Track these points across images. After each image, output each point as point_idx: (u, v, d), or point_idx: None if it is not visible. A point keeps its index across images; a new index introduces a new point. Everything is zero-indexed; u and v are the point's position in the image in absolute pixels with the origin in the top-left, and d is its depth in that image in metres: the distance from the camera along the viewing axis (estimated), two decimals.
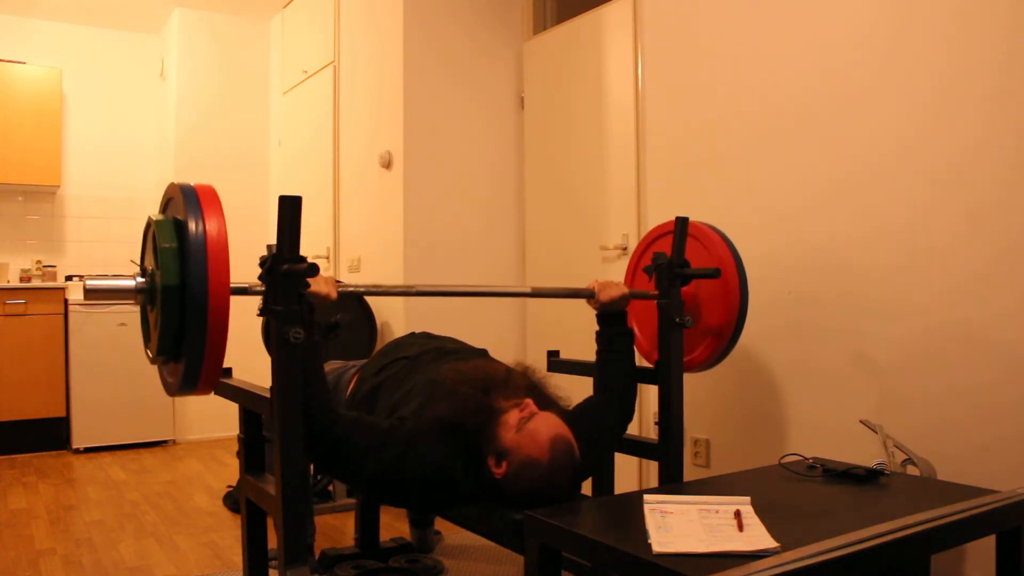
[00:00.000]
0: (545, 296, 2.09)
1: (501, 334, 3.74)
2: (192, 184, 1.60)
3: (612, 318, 2.16)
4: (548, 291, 2.17)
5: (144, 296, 1.59)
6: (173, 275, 1.48)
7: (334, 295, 1.78)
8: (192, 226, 1.49)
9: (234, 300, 1.55)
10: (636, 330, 2.37)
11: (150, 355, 1.64)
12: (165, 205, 1.68)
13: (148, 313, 1.65)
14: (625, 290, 2.14)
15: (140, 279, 1.59)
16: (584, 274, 3.38)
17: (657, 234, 2.38)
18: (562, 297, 2.29)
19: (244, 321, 2.33)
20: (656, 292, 2.16)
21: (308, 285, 1.67)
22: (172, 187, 1.63)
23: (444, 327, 2.53)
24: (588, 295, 2.15)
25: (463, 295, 2.06)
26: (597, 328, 2.18)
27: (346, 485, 1.98)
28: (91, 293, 1.57)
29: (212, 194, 1.58)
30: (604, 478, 2.29)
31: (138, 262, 1.69)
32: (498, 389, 1.85)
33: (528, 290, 2.02)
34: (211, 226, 1.51)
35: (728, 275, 2.18)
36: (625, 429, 2.15)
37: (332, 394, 1.79)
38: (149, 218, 1.61)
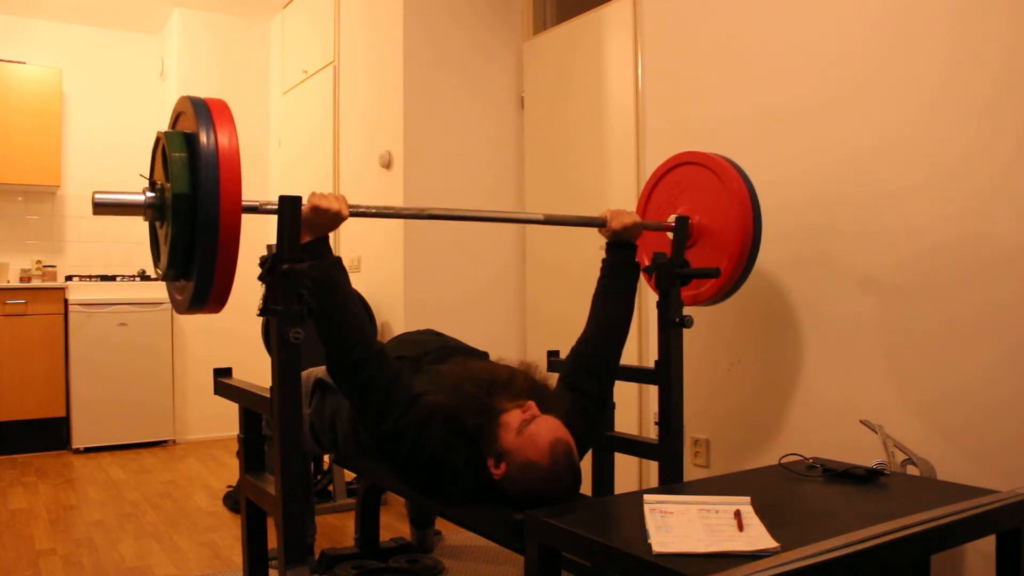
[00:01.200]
0: (558, 223, 2.09)
1: (501, 333, 3.74)
2: (204, 98, 1.56)
3: (621, 247, 2.14)
4: (561, 219, 2.16)
5: (153, 211, 1.56)
6: (183, 184, 1.44)
7: (346, 212, 1.74)
8: (203, 138, 1.46)
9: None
10: (645, 260, 2.34)
11: (159, 272, 1.61)
12: (175, 120, 1.64)
13: (157, 229, 1.61)
14: (637, 219, 2.13)
15: (149, 193, 1.56)
16: (584, 273, 3.37)
17: (670, 165, 2.34)
18: (574, 225, 2.27)
19: (244, 321, 2.34)
20: (669, 224, 2.15)
21: (308, 285, 1.67)
22: (183, 100, 1.58)
23: (445, 326, 2.53)
24: (600, 223, 2.14)
25: (474, 219, 2.04)
26: (604, 258, 2.16)
27: (363, 427, 1.94)
28: (100, 207, 1.53)
29: (224, 107, 1.54)
30: (604, 478, 2.29)
31: (147, 176, 1.64)
32: (501, 389, 1.85)
33: (541, 217, 2.01)
34: (223, 137, 1.47)
35: (741, 200, 2.15)
36: (617, 364, 2.11)
37: (373, 327, 1.77)
38: (159, 132, 1.57)
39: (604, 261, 2.16)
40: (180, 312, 1.63)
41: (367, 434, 1.85)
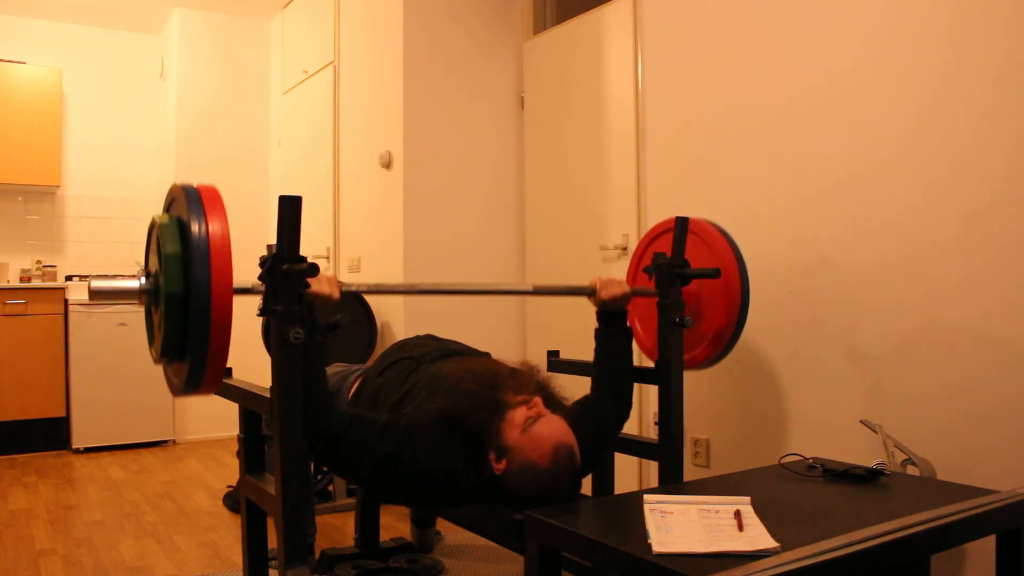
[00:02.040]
0: (546, 294, 2.10)
1: (501, 334, 3.74)
2: (195, 184, 1.59)
3: (612, 316, 2.15)
4: (549, 288, 2.17)
5: (148, 297, 1.60)
6: (176, 282, 1.49)
7: (336, 295, 1.77)
8: (195, 228, 1.49)
9: (235, 300, 1.55)
10: (638, 327, 2.37)
11: (154, 355, 1.64)
12: (169, 205, 1.68)
13: (152, 313, 1.65)
14: (627, 288, 2.13)
15: (144, 280, 1.59)
16: (584, 274, 3.37)
17: (658, 231, 2.38)
18: (563, 295, 2.28)
19: (244, 321, 2.33)
20: (656, 290, 2.16)
21: (308, 285, 1.67)
22: (175, 188, 1.62)
23: (445, 327, 2.53)
24: (589, 292, 2.14)
25: (465, 293, 2.06)
26: (596, 325, 2.18)
27: (347, 481, 2.01)
28: (96, 294, 1.57)
29: (215, 195, 1.57)
30: (604, 478, 2.29)
31: (142, 263, 1.69)
32: (505, 384, 1.85)
33: (530, 288, 2.02)
34: (214, 228, 1.51)
35: (729, 273, 2.18)
36: (621, 428, 2.14)
37: (332, 395, 1.79)
38: (153, 219, 1.61)
39: (597, 331, 2.17)
40: (175, 395, 1.68)
41: (357, 484, 1.85)
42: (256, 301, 1.69)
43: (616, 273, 3.20)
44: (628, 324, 2.19)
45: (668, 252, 2.15)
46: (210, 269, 1.47)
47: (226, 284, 1.49)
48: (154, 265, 1.59)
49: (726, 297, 2.18)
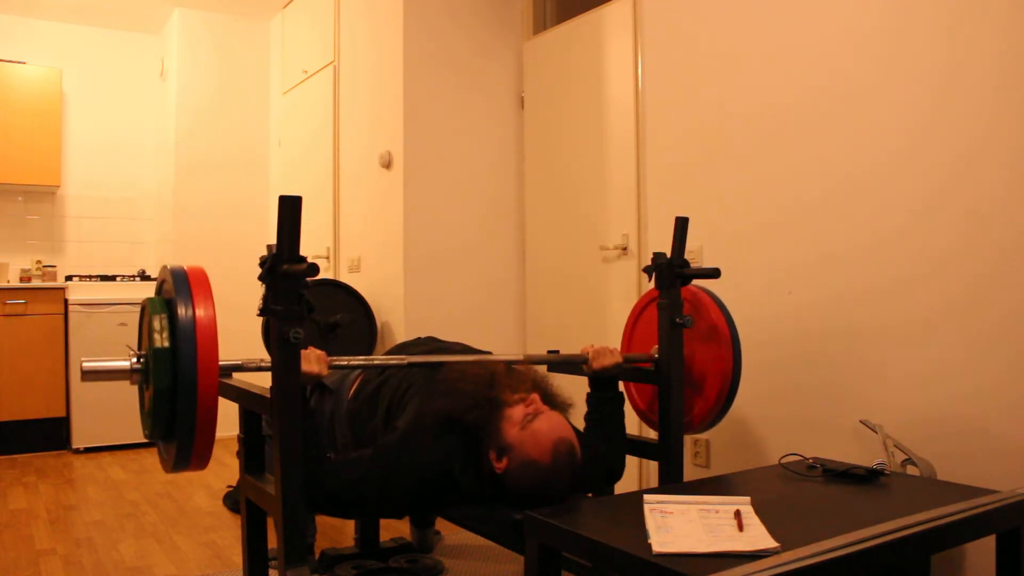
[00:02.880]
0: (538, 363, 2.12)
1: (501, 335, 3.74)
2: (184, 268, 1.66)
3: (604, 382, 2.16)
4: (541, 359, 2.19)
5: (140, 376, 1.66)
6: (165, 377, 1.57)
7: (325, 372, 1.80)
8: (182, 313, 1.57)
9: (234, 293, 1.57)
10: (632, 390, 2.38)
11: (146, 432, 1.71)
12: (159, 287, 1.75)
13: (143, 391, 1.72)
14: (619, 358, 2.14)
15: (135, 361, 1.66)
16: (584, 274, 3.38)
17: (655, 295, 2.29)
18: (555, 363, 2.30)
19: (244, 321, 2.34)
20: (650, 356, 2.17)
21: (308, 285, 1.67)
22: (164, 270, 1.70)
23: (445, 328, 2.53)
24: (581, 361, 2.15)
25: (455, 363, 2.09)
26: (588, 391, 2.18)
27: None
28: (88, 375, 1.63)
29: (202, 280, 1.64)
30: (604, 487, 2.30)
31: (135, 348, 1.76)
32: (502, 383, 1.85)
33: (521, 357, 2.07)
34: (200, 314, 1.58)
35: (722, 337, 2.18)
36: (611, 485, 2.14)
37: (322, 456, 1.80)
38: (144, 303, 1.69)
39: (588, 396, 2.17)
40: (167, 471, 1.75)
41: (371, 512, 1.88)
42: (256, 295, 1.69)
43: (615, 274, 3.21)
44: (620, 390, 2.19)
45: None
46: (196, 363, 1.55)
47: (212, 373, 1.57)
48: (146, 346, 1.66)
49: (719, 361, 2.18)
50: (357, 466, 1.79)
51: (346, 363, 1.91)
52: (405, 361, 1.98)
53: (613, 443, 2.12)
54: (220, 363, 1.63)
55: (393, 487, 1.76)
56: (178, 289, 1.60)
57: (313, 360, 1.77)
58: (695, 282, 2.24)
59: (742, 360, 2.20)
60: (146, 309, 1.66)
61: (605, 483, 2.12)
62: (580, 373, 2.19)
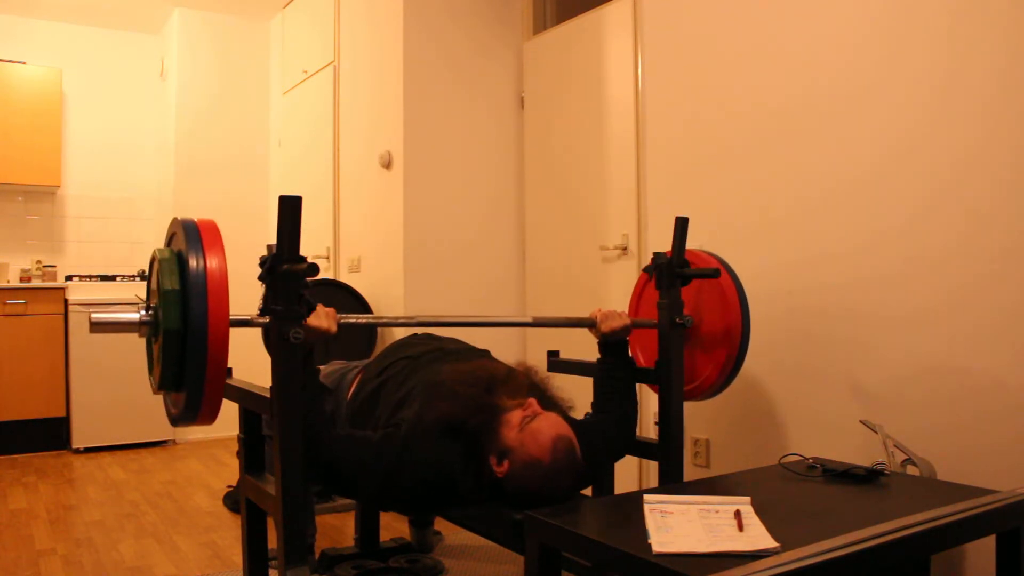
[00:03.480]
0: (546, 325, 2.12)
1: (501, 334, 3.74)
2: (195, 219, 1.63)
3: (613, 347, 2.16)
4: (549, 320, 2.19)
5: (148, 329, 1.63)
6: (175, 319, 1.53)
7: (334, 329, 1.78)
8: (193, 264, 1.53)
9: (233, 293, 1.57)
10: (640, 357, 2.37)
11: (153, 385, 1.68)
12: (169, 239, 1.71)
13: (152, 344, 1.68)
14: (627, 320, 2.14)
15: (144, 312, 1.63)
16: (584, 274, 3.38)
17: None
18: (563, 326, 2.30)
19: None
20: (658, 321, 2.15)
21: (308, 285, 1.67)
22: (175, 222, 1.66)
23: (444, 328, 2.53)
24: (590, 324, 2.15)
25: (465, 325, 2.09)
26: (598, 356, 2.19)
27: (353, 501, 2.04)
28: (96, 326, 1.60)
29: (214, 230, 1.61)
30: (604, 478, 2.29)
31: (143, 297, 1.73)
32: (500, 388, 1.85)
33: (529, 319, 2.06)
34: (212, 264, 1.55)
35: (729, 300, 2.17)
36: (623, 454, 2.14)
37: (329, 420, 1.80)
38: (154, 253, 1.65)
39: (598, 362, 2.18)
40: (174, 425, 1.72)
41: (365, 496, 1.87)
42: (255, 294, 1.69)
43: (616, 275, 3.21)
44: (630, 355, 2.19)
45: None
46: (207, 306, 1.51)
47: (223, 320, 1.53)
48: (155, 298, 1.63)
49: (727, 326, 2.17)
50: (364, 447, 1.78)
51: (355, 320, 1.89)
52: (414, 320, 1.97)
53: (624, 410, 2.12)
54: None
55: (393, 486, 1.76)
56: (189, 239, 1.57)
57: (323, 316, 1.75)
58: (702, 246, 2.23)
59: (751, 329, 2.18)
60: (155, 259, 1.62)
61: (617, 450, 2.11)
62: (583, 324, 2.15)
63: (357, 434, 1.85)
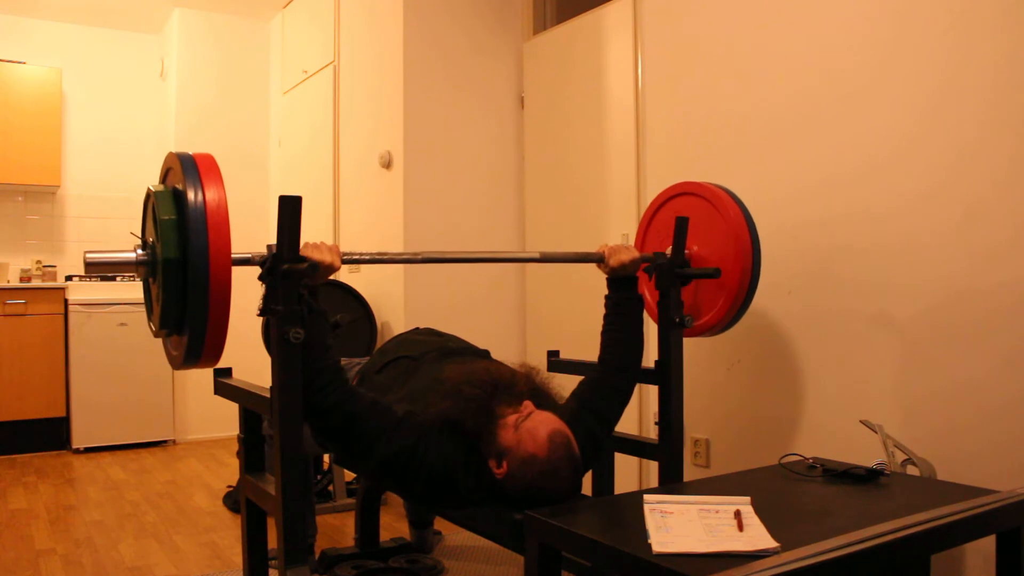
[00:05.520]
0: (553, 261, 2.07)
1: (501, 334, 3.74)
2: (191, 153, 1.57)
3: (622, 282, 2.12)
4: (556, 256, 2.14)
5: (146, 268, 1.57)
6: (173, 248, 1.46)
7: (338, 264, 1.75)
8: (191, 196, 1.47)
9: (234, 293, 1.55)
10: (648, 296, 2.32)
11: (153, 328, 1.62)
12: (164, 175, 1.65)
13: (150, 285, 1.62)
14: (635, 254, 2.10)
15: (141, 251, 1.57)
16: (584, 274, 3.38)
17: (667, 196, 2.32)
18: (571, 261, 2.25)
19: (244, 321, 2.34)
20: (668, 254, 2.13)
21: (308, 285, 1.67)
22: (171, 156, 1.59)
23: (445, 326, 2.52)
24: (598, 259, 2.12)
25: (470, 261, 2.03)
26: (607, 292, 2.14)
27: (351, 465, 1.98)
28: (91, 266, 1.54)
29: (211, 163, 1.55)
30: (604, 478, 2.29)
31: (139, 234, 1.66)
32: (500, 392, 1.85)
33: (536, 255, 2.00)
34: (211, 195, 1.48)
35: (740, 232, 2.12)
36: (628, 398, 2.08)
37: (343, 367, 1.77)
38: (149, 188, 1.58)
39: (607, 298, 2.15)
40: (176, 368, 1.66)
41: (360, 469, 1.84)
42: (254, 303, 1.68)
43: None
44: (639, 292, 2.15)
45: (678, 215, 2.10)
46: (207, 234, 1.44)
47: (224, 249, 1.46)
48: (151, 235, 1.55)
49: (738, 259, 2.12)
50: (387, 417, 1.76)
51: (358, 256, 1.84)
52: (419, 256, 1.92)
53: (630, 348, 2.08)
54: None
55: (402, 466, 1.74)
56: (186, 171, 1.50)
57: (326, 250, 1.72)
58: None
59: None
60: (150, 195, 1.56)
61: (626, 380, 2.07)
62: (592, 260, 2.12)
63: (381, 401, 1.82)
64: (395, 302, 3.64)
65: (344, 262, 1.77)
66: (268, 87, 5.31)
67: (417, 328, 2.42)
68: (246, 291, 2.29)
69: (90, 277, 5.05)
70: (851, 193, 2.32)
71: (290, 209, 1.62)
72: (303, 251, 1.70)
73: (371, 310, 3.68)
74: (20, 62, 4.97)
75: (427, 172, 3.66)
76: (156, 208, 1.51)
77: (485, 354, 2.23)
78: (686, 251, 2.19)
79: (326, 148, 4.36)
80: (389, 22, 3.74)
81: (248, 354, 3.16)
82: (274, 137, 5.24)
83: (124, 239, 5.42)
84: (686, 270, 2.13)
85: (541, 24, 3.85)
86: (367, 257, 1.89)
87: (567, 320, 3.49)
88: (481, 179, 3.79)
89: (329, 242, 1.86)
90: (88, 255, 1.53)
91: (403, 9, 3.63)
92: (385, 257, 1.95)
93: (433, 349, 2.14)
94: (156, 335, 1.64)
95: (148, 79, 5.52)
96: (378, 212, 3.83)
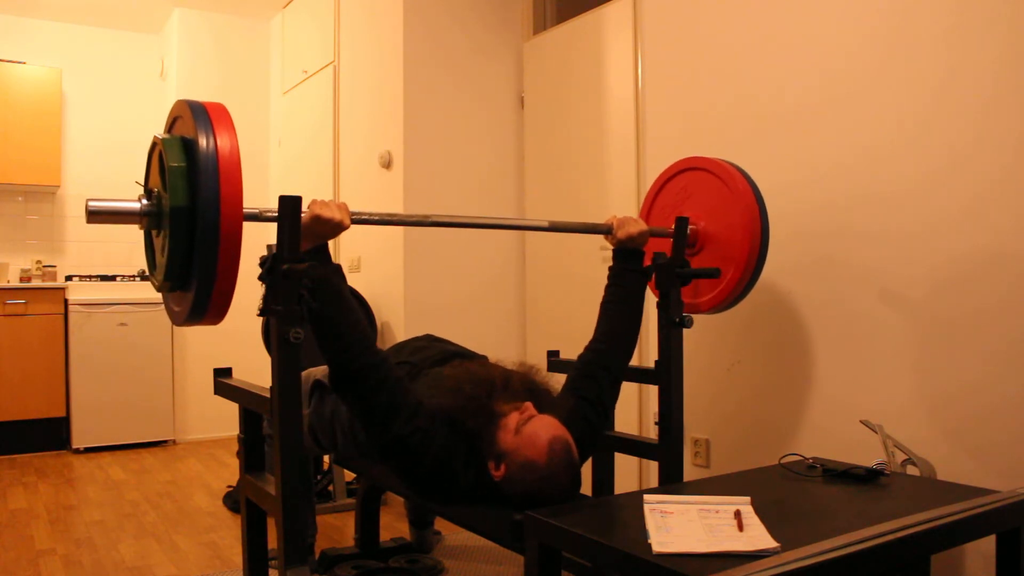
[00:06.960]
0: (563, 231, 2.05)
1: (501, 334, 3.74)
2: (201, 101, 1.53)
3: (628, 255, 2.11)
4: (566, 226, 2.12)
5: (149, 219, 1.52)
6: (182, 196, 1.40)
7: (347, 222, 1.72)
8: (203, 143, 1.40)
9: (234, 302, 1.54)
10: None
11: (156, 283, 1.57)
12: (171, 124, 1.60)
13: (154, 238, 1.58)
14: (644, 226, 2.08)
15: (145, 201, 1.52)
16: (584, 274, 3.38)
17: (671, 173, 2.31)
18: (579, 232, 2.24)
19: (244, 321, 2.35)
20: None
21: (309, 286, 1.66)
22: (180, 104, 1.53)
23: (445, 327, 2.53)
24: (606, 231, 2.11)
25: (478, 227, 2.01)
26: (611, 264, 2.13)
27: (366, 435, 1.96)
28: (93, 215, 1.48)
29: (223, 111, 1.49)
30: (604, 478, 2.29)
31: (142, 183, 1.60)
32: (499, 392, 1.84)
33: (545, 224, 1.98)
34: (223, 143, 1.42)
35: (748, 206, 2.11)
36: (621, 376, 2.06)
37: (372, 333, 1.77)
38: (155, 137, 1.53)
39: (611, 269, 2.13)
40: (177, 324, 1.61)
41: (371, 441, 1.84)
42: (254, 304, 1.68)
43: None
44: (643, 265, 2.13)
45: (683, 192, 2.07)
46: (219, 182, 1.38)
47: (236, 199, 1.40)
48: (156, 184, 1.49)
49: (746, 232, 2.11)
50: (407, 398, 1.76)
51: (367, 216, 1.81)
52: (428, 219, 1.91)
53: (628, 325, 2.06)
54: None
55: (410, 450, 1.75)
56: (197, 118, 1.44)
57: (335, 208, 1.69)
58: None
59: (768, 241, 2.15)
60: (156, 144, 1.49)
61: (620, 356, 2.05)
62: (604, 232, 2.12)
63: (405, 383, 1.82)
64: (395, 302, 3.64)
65: (353, 222, 1.75)
66: (268, 87, 5.32)
67: (416, 336, 2.42)
68: (246, 291, 2.30)
69: (90, 277, 5.05)
70: (852, 194, 2.32)
71: (290, 209, 1.62)
72: (311, 207, 1.68)
73: (371, 311, 3.68)
74: (20, 62, 4.97)
75: (427, 172, 3.66)
76: (164, 155, 1.44)
77: (483, 359, 2.23)
78: (692, 226, 2.18)
79: (326, 148, 4.36)
80: (389, 22, 3.74)
81: (248, 354, 3.16)
82: (274, 137, 5.25)
83: (124, 238, 5.43)
84: (686, 270, 2.13)
85: (541, 24, 3.85)
86: (376, 218, 1.86)
87: (567, 320, 3.49)
88: (481, 179, 3.79)
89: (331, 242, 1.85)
90: (91, 203, 1.46)
91: (403, 9, 3.63)
92: (394, 219, 1.94)
93: (434, 354, 2.15)
94: (158, 290, 1.58)
95: (148, 79, 5.52)
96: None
